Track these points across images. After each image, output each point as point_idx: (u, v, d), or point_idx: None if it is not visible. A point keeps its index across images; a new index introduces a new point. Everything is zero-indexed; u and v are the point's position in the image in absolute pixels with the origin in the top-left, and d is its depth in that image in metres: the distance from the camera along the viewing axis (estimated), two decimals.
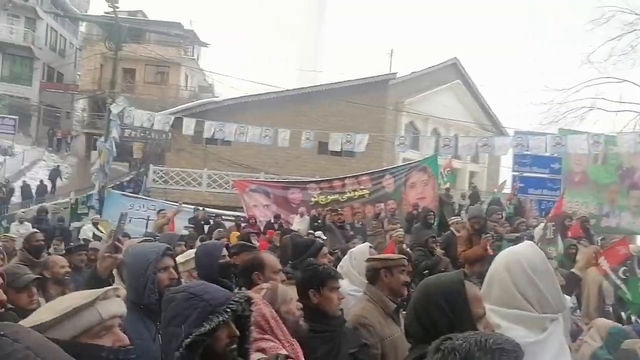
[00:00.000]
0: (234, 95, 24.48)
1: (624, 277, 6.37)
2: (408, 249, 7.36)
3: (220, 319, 1.67)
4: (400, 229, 9.82)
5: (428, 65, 28.36)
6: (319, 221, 12.23)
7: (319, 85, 25.49)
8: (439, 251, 7.05)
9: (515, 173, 17.30)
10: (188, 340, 1.61)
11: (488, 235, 6.54)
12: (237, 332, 1.74)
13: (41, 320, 1.29)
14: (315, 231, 10.83)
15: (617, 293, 6.46)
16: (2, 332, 0.97)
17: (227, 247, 3.55)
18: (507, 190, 17.98)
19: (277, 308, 2.34)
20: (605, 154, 15.84)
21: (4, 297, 2.42)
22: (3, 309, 2.35)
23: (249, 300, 1.83)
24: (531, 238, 8.17)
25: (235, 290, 2.65)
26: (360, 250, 3.82)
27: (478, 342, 1.26)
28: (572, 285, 3.64)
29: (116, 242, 2.39)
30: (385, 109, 24.89)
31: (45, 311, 1.32)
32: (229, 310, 1.69)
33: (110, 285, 2.34)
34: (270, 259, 3.15)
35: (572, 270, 4.13)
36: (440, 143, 14.97)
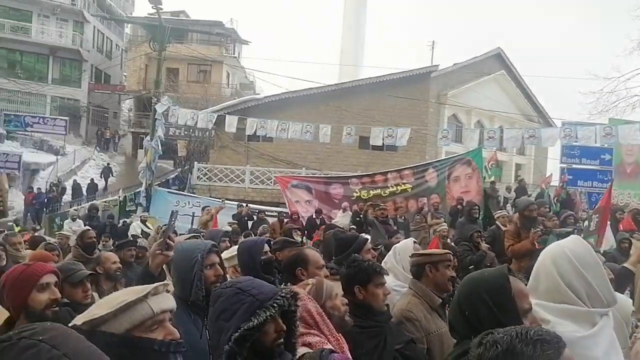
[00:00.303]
0: (275, 92, 24.68)
1: None
2: (452, 244, 7.24)
3: (268, 313, 1.70)
4: (444, 224, 9.68)
5: (471, 57, 27.76)
6: (361, 216, 12.20)
7: (359, 80, 25.35)
8: (484, 246, 6.89)
9: (564, 165, 16.78)
10: (237, 334, 1.65)
11: (537, 229, 6.34)
12: (284, 327, 1.77)
13: (98, 315, 1.34)
14: (356, 226, 10.80)
15: None
16: (40, 338, 0.96)
17: (269, 243, 3.57)
18: (555, 183, 17.45)
19: (322, 303, 2.35)
20: None
21: (59, 295, 2.51)
22: (58, 307, 2.44)
23: (294, 296, 1.86)
24: (581, 232, 7.92)
25: (281, 286, 2.67)
26: (405, 246, 3.79)
27: (519, 334, 1.28)
28: (625, 280, 3.50)
29: (168, 240, 2.45)
30: (427, 102, 24.54)
31: (101, 306, 1.37)
32: (275, 305, 1.73)
33: (162, 281, 2.42)
34: (314, 254, 3.17)
35: (625, 264, 3.97)
36: (485, 135, 14.66)
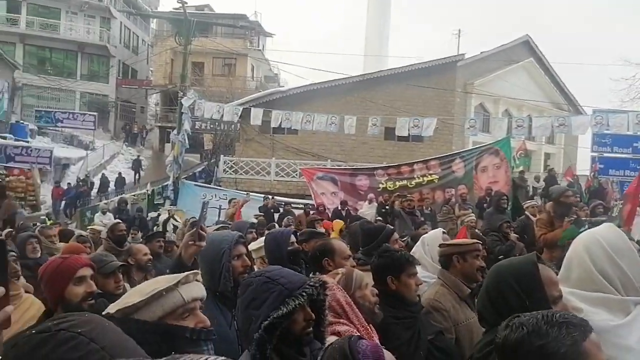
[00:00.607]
0: (299, 84, 24.66)
1: None
2: (482, 235, 7.15)
3: (297, 302, 1.71)
4: (472, 214, 9.58)
5: (499, 44, 27.24)
6: (387, 207, 12.15)
7: (384, 70, 25.14)
8: (513, 236, 6.79)
9: (595, 154, 16.39)
10: (267, 322, 1.66)
11: (571, 217, 6.20)
12: (313, 315, 1.78)
13: (131, 302, 1.37)
14: (382, 217, 10.77)
15: None
16: (79, 331, 0.95)
17: (295, 234, 3.58)
18: (585, 172, 17.08)
19: (351, 293, 2.35)
20: None
21: (95, 288, 2.57)
22: (93, 300, 2.50)
23: (323, 285, 1.86)
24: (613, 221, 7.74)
25: (310, 275, 2.68)
26: (433, 236, 3.76)
27: (545, 317, 1.30)
28: None
29: (200, 230, 2.48)
30: (453, 91, 24.21)
31: (134, 294, 1.40)
32: (304, 293, 1.74)
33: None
34: (340, 245, 3.17)
35: None
36: (513, 124, 14.39)
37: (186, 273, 1.45)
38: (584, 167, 18.46)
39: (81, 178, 24.36)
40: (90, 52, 36.17)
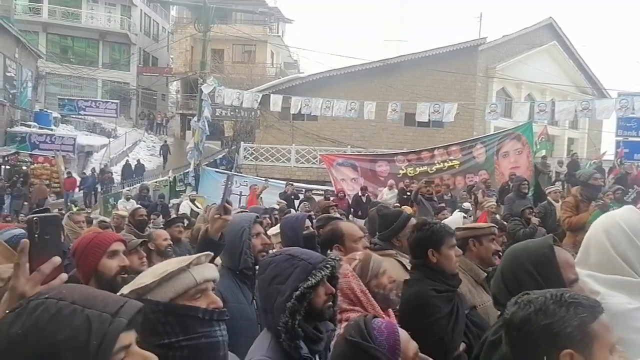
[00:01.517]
0: (319, 70, 24.57)
1: None
2: (503, 220, 7.10)
3: (323, 273, 1.79)
4: (492, 200, 9.49)
5: (521, 28, 26.70)
6: (408, 193, 12.10)
7: (404, 55, 24.87)
8: (535, 220, 6.72)
9: (619, 138, 16.08)
10: (298, 292, 1.75)
11: (599, 202, 6.11)
12: (334, 290, 1.86)
13: (144, 283, 1.39)
14: (403, 203, 10.73)
15: None
16: (46, 296, 1.00)
17: (310, 218, 3.58)
18: (610, 157, 16.74)
19: (367, 281, 2.34)
20: None
21: (127, 262, 2.62)
22: (126, 274, 2.54)
23: (339, 262, 1.94)
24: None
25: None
26: (454, 220, 3.75)
27: (554, 296, 1.29)
28: None
29: (225, 204, 2.51)
30: (474, 76, 23.87)
31: (146, 275, 1.42)
32: (328, 266, 1.82)
33: (223, 246, 2.52)
34: (350, 227, 3.14)
35: None
36: (535, 109, 14.15)
37: (198, 255, 1.46)
38: (609, 152, 18.04)
39: (101, 167, 24.74)
40: (112, 40, 36.50)
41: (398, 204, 10.34)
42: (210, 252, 1.51)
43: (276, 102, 16.12)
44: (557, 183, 13.29)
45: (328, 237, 3.10)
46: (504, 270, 1.91)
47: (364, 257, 2.45)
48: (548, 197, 8.56)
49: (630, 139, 15.91)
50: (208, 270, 1.46)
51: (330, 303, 1.85)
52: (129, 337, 1.01)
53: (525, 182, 9.01)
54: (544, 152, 16.78)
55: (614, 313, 1.80)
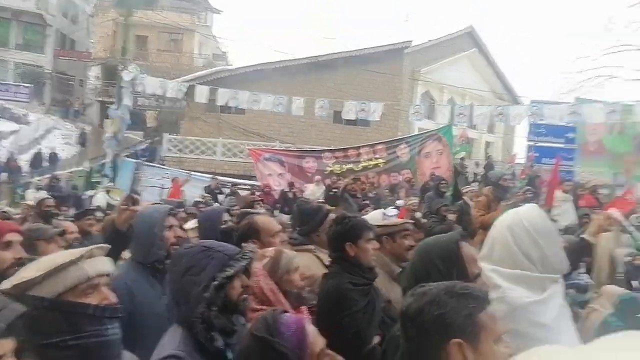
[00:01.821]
0: (248, 63, 24.27)
1: (638, 224, 6.45)
2: (423, 218, 7.32)
3: (239, 264, 1.78)
4: (414, 198, 9.79)
5: (445, 34, 27.75)
6: (335, 190, 12.21)
7: (334, 54, 25.12)
8: (450, 217, 6.99)
9: (530, 143, 17.10)
10: (216, 282, 1.72)
11: (509, 202, 6.46)
12: (249, 283, 1.85)
13: (28, 277, 1.27)
14: (329, 200, 10.82)
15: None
16: None
17: (229, 212, 3.51)
18: (521, 160, 17.78)
19: (278, 279, 2.30)
20: (622, 124, 15.55)
21: (24, 254, 2.46)
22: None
23: (254, 254, 1.95)
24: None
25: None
26: (372, 217, 3.79)
27: (446, 287, 1.33)
28: (583, 251, 3.58)
29: (133, 195, 2.41)
30: (401, 77, 24.51)
31: (30, 268, 1.30)
32: (244, 258, 1.82)
33: (130, 238, 2.40)
34: (265, 221, 3.10)
35: (583, 236, 4.05)
36: (455, 112, 14.72)
37: (91, 247, 1.36)
38: (520, 155, 19.19)
39: (8, 157, 23.06)
40: (25, 20, 34.07)
41: (323, 200, 10.41)
42: (105, 245, 1.41)
43: (202, 93, 15.68)
44: (473, 183, 13.91)
45: (244, 231, 3.04)
46: (414, 264, 1.96)
47: (274, 254, 2.40)
48: (464, 197, 8.93)
49: (540, 144, 16.94)
50: (101, 263, 1.36)
51: (245, 296, 1.83)
52: (4, 345, 0.90)
53: (444, 182, 9.35)
54: (463, 154, 17.49)
55: (514, 306, 1.88)
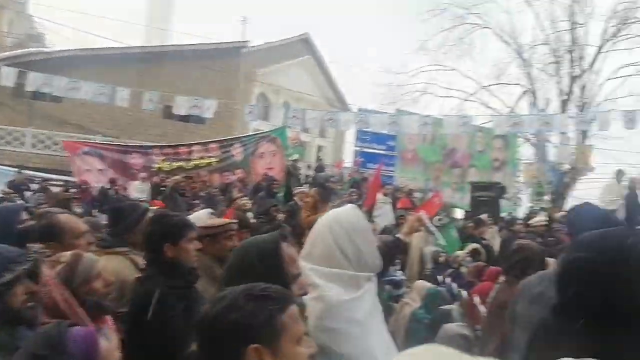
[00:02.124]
0: (68, 47, 22.05)
1: (439, 225, 7.37)
2: (253, 219, 7.30)
3: (20, 269, 1.63)
4: (245, 197, 9.74)
5: (282, 38, 28.34)
6: (163, 188, 11.61)
7: (168, 46, 24.09)
8: (280, 217, 7.08)
9: (357, 148, 18.24)
10: None
11: (335, 203, 6.72)
12: (35, 288, 1.68)
13: None
14: (155, 198, 10.27)
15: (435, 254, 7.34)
16: None
17: (28, 209, 3.04)
18: (349, 164, 18.92)
19: (75, 287, 2.00)
20: (433, 135, 17.46)
21: None
22: None
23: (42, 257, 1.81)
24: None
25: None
26: (197, 217, 3.61)
27: (245, 290, 1.29)
28: (396, 250, 3.81)
29: None
30: (237, 77, 24.41)
31: None
32: (26, 262, 1.66)
33: None
34: (70, 221, 2.75)
35: (397, 235, 4.33)
36: (289, 115, 15.07)
37: None
38: (350, 160, 20.35)
39: None
40: None
41: (145, 198, 9.85)
42: None
43: (8, 76, 13.73)
44: (305, 185, 14.37)
45: (42, 231, 2.64)
46: (231, 266, 1.87)
47: (71, 258, 2.09)
48: (295, 198, 9.15)
49: (366, 150, 18.16)
50: None
51: (32, 304, 1.64)
52: None
53: (276, 182, 9.47)
54: (296, 156, 18.00)
55: (330, 304, 1.90)
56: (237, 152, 15.37)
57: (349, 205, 2.32)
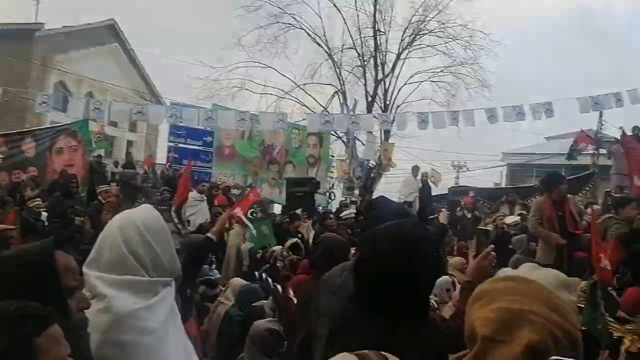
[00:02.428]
0: None
1: (251, 217, 7.93)
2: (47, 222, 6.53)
3: None
4: (38, 199, 8.70)
5: (85, 22, 25.95)
6: None
7: None
8: (78, 220, 6.41)
9: (171, 144, 17.59)
10: None
11: (142, 202, 6.30)
12: None
13: None
14: None
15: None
16: None
17: None
18: (161, 161, 18.12)
19: None
20: (250, 131, 17.60)
21: None
22: None
23: None
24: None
25: None
26: None
27: (1, 310, 1.17)
28: (205, 250, 3.71)
29: None
30: (30, 63, 21.67)
31: None
32: None
33: None
34: None
35: (208, 234, 4.24)
36: (92, 107, 13.81)
37: None
38: (163, 156, 19.36)
39: None
40: None
41: None
42: None
43: None
44: (112, 183, 13.34)
45: None
46: None
47: None
48: (99, 197, 8.43)
49: (181, 145, 17.48)
50: None
51: None
52: None
53: (74, 181, 8.60)
54: (101, 152, 16.65)
55: (119, 315, 1.71)
56: (28, 147, 13.68)
57: (144, 205, 2.12)
